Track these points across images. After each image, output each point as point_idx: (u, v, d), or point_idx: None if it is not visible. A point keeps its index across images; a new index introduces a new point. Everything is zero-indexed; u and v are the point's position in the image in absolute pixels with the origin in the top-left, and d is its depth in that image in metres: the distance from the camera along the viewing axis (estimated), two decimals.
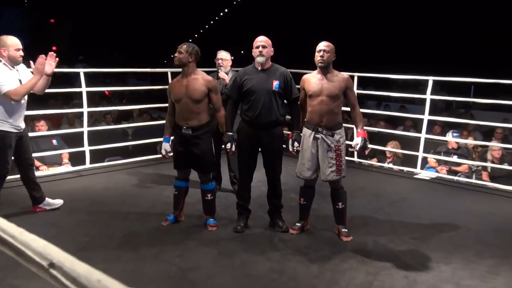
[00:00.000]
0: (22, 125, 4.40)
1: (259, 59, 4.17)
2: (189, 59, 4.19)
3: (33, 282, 2.90)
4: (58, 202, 4.74)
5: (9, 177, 4.49)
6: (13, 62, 4.25)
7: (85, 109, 6.21)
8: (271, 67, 4.25)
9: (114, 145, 6.76)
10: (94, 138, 6.38)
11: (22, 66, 4.39)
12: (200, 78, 4.21)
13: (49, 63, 4.31)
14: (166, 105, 6.87)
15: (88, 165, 6.20)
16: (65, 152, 6.35)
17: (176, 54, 4.21)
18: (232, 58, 5.40)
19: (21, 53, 4.27)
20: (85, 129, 6.23)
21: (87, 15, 24.25)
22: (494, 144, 6.76)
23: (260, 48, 4.17)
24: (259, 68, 4.20)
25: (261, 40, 4.22)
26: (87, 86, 6.14)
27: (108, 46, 24.75)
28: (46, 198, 4.66)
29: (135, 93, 13.74)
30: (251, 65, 4.29)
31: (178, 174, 4.48)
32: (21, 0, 27.41)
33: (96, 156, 6.49)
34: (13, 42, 4.24)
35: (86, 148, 6.17)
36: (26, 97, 4.36)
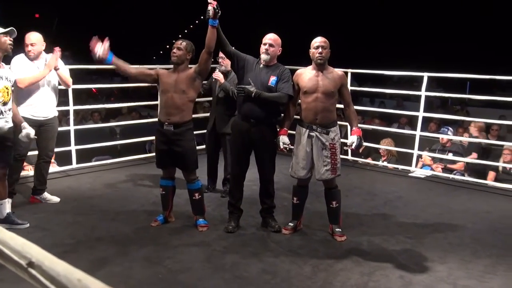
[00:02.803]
0: (44, 114, 4.68)
1: (264, 57, 4.12)
2: (187, 57, 4.13)
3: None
4: (55, 199, 4.90)
5: None
6: (28, 56, 4.60)
7: (71, 107, 6.10)
8: (274, 65, 4.18)
9: (101, 144, 6.64)
10: (81, 137, 6.26)
11: (45, 56, 4.68)
12: (189, 70, 4.16)
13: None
14: (156, 103, 6.84)
15: (74, 165, 6.08)
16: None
17: (174, 51, 4.11)
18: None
19: (29, 48, 4.60)
20: (72, 127, 6.10)
21: (73, 10, 24.09)
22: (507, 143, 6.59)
23: (267, 46, 4.11)
24: (262, 64, 4.15)
25: (270, 38, 4.15)
26: (73, 83, 5.99)
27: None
28: (45, 193, 4.88)
29: (123, 91, 13.60)
30: (259, 59, 4.22)
31: (163, 173, 4.40)
32: None
33: (83, 156, 6.38)
34: (25, 38, 4.61)
35: (73, 147, 6.05)
36: (48, 86, 4.69)
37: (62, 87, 5.04)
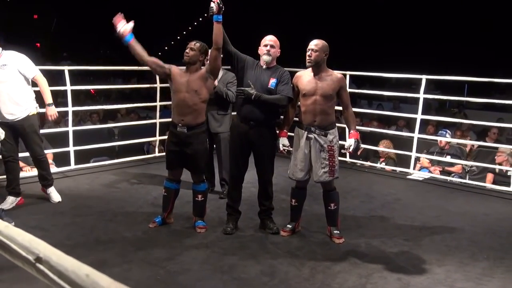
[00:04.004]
0: (7, 116, 4.51)
1: (265, 58, 4.12)
2: (199, 58, 4.11)
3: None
4: (56, 198, 4.91)
5: None
6: None
7: (70, 108, 6.09)
8: (274, 67, 4.20)
9: (100, 145, 6.64)
10: (80, 138, 6.25)
11: (7, 57, 4.49)
12: (201, 70, 4.15)
13: None
14: (154, 104, 6.84)
15: (73, 166, 6.07)
16: (49, 152, 6.20)
17: (187, 51, 4.09)
18: (221, 56, 5.31)
19: None
20: (70, 128, 6.10)
21: (71, 10, 24.04)
22: (505, 146, 6.62)
23: (268, 47, 4.12)
24: (264, 66, 4.15)
25: (270, 39, 4.16)
26: (72, 84, 6.01)
27: (93, 42, 24.57)
28: (51, 188, 4.91)
29: (122, 92, 13.57)
30: (259, 61, 4.22)
31: (168, 175, 4.38)
32: None
33: (81, 157, 6.36)
34: None
35: (71, 148, 6.05)
36: (5, 87, 4.46)
37: (62, 88, 5.00)
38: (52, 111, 4.74)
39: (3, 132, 4.25)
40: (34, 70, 4.64)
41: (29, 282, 2.76)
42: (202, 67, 4.17)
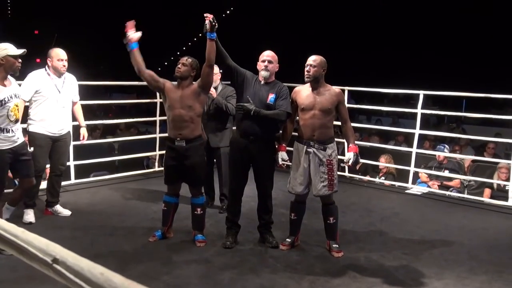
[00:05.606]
0: (58, 129, 4.76)
1: (263, 73, 4.17)
2: (191, 73, 4.17)
3: None
4: (66, 212, 4.98)
5: None
6: (57, 72, 4.70)
7: (71, 123, 6.08)
8: (272, 82, 4.25)
9: (100, 160, 6.67)
10: (79, 152, 6.26)
11: (71, 78, 4.89)
12: (193, 85, 4.19)
13: None
14: (154, 119, 6.89)
15: (73, 180, 6.08)
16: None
17: (179, 66, 4.15)
18: (221, 71, 5.37)
19: (64, 63, 4.71)
20: (71, 143, 6.10)
21: (72, 26, 24.24)
22: (502, 161, 6.65)
23: (266, 63, 4.17)
24: (262, 82, 4.20)
25: (268, 54, 4.22)
26: None
27: (94, 58, 24.71)
28: (57, 206, 4.97)
29: (122, 107, 13.64)
30: (258, 76, 4.27)
31: (168, 189, 4.41)
32: (4, 11, 27.41)
33: (82, 171, 6.38)
34: (56, 53, 4.70)
35: (71, 162, 6.06)
36: (62, 102, 4.75)
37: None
38: (86, 132, 5.22)
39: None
40: (78, 96, 5.07)
41: None
42: (193, 82, 4.22)
